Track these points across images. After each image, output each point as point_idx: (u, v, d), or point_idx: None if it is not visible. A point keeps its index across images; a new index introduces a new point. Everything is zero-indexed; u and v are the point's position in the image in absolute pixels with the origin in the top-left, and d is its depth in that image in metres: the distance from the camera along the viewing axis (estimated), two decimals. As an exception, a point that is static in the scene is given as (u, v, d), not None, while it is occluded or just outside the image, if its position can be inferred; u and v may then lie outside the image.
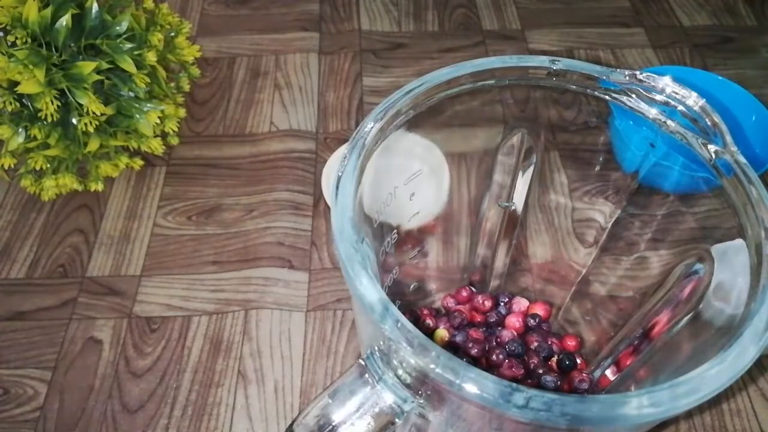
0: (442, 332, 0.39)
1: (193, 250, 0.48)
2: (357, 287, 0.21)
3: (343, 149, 0.43)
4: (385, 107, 0.27)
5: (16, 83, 0.41)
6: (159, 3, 0.50)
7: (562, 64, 0.28)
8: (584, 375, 0.36)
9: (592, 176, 0.36)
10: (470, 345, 0.37)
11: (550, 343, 0.39)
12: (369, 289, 0.21)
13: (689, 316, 0.28)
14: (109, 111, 0.45)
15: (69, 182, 0.48)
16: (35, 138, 0.44)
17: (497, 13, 0.68)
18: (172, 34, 0.51)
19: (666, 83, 0.27)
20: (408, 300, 0.41)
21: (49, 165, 0.47)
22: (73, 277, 0.46)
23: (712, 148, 0.26)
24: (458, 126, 0.32)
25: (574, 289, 0.40)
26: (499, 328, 0.40)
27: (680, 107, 0.27)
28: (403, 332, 0.20)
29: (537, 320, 0.40)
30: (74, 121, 0.44)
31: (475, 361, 0.37)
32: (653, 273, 0.34)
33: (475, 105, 0.30)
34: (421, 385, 0.23)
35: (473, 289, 0.42)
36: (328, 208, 0.49)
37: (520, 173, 0.36)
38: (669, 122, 0.27)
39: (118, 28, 0.44)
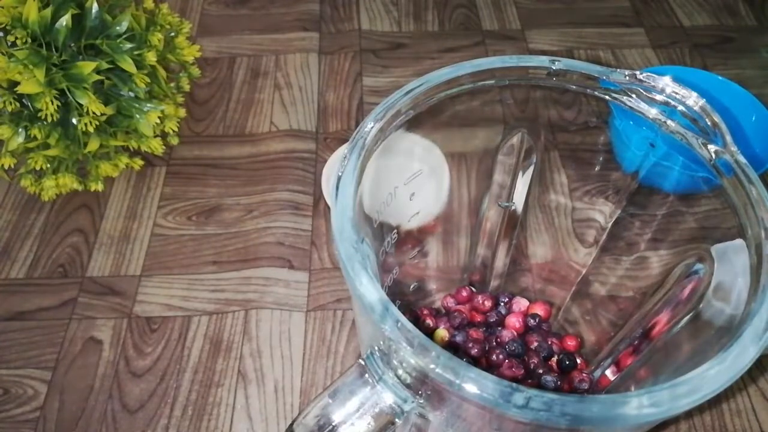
0: (442, 332, 0.39)
1: (193, 250, 0.48)
2: (357, 287, 0.21)
3: (343, 149, 0.43)
4: (385, 107, 0.27)
5: (16, 83, 0.41)
6: (159, 3, 0.50)
7: (562, 64, 0.28)
8: (584, 375, 0.36)
9: (592, 176, 0.36)
10: (470, 345, 0.37)
11: (550, 343, 0.39)
12: (369, 289, 0.21)
13: (689, 316, 0.28)
14: (109, 111, 0.45)
15: (69, 182, 0.48)
16: (35, 138, 0.44)
17: (497, 13, 0.68)
18: (172, 34, 0.51)
19: (666, 83, 0.27)
20: (408, 300, 0.41)
21: (49, 165, 0.47)
22: (73, 277, 0.46)
23: (712, 148, 0.26)
24: (458, 126, 0.32)
25: (574, 289, 0.40)
26: (499, 328, 0.40)
27: (680, 107, 0.27)
28: (403, 332, 0.20)
29: (537, 320, 0.40)
30: (74, 121, 0.44)
31: (475, 361, 0.37)
32: (653, 273, 0.34)
33: (475, 105, 0.30)
34: (421, 385, 0.23)
35: (473, 289, 0.42)
36: (328, 208, 0.49)
37: (520, 173, 0.36)
38: (669, 122, 0.27)
39: (118, 28, 0.44)
